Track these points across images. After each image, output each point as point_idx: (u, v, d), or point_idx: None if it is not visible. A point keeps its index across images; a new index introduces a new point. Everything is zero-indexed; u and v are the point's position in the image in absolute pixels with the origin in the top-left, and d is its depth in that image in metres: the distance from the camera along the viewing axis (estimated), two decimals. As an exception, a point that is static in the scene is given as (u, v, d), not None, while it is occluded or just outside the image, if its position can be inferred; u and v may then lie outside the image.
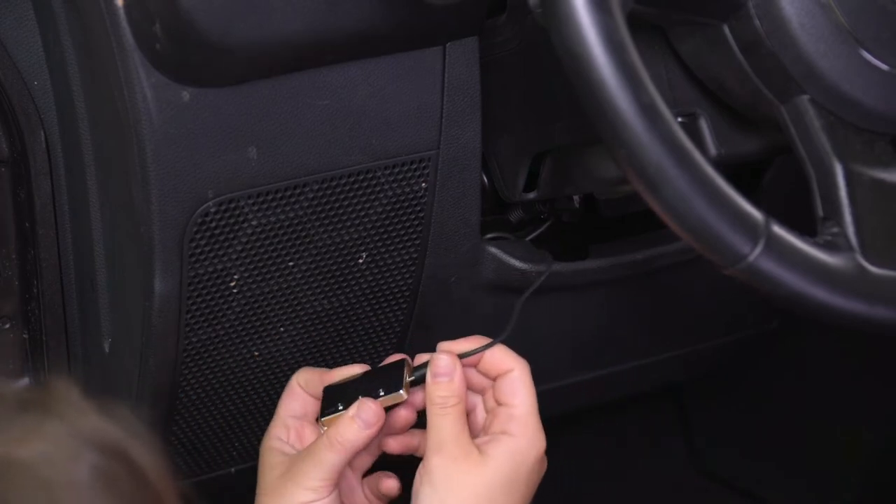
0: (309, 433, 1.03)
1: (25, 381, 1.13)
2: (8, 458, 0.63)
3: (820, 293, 0.81)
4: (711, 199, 0.78)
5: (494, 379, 1.01)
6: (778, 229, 0.80)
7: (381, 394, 1.00)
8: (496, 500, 0.96)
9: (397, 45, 1.00)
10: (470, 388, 1.01)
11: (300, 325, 1.10)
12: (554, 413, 1.38)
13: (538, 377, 1.30)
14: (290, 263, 1.05)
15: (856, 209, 0.84)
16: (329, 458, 0.98)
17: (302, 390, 1.04)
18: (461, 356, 1.00)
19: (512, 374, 0.99)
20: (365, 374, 1.03)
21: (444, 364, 0.99)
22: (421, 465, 0.98)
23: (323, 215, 1.04)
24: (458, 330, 1.16)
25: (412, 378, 1.01)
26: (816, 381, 1.57)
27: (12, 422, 0.65)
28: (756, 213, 0.80)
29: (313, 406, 1.04)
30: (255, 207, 1.01)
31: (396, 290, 1.11)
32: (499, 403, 1.00)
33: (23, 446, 0.63)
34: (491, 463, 0.96)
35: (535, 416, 0.98)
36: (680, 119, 0.96)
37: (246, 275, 1.04)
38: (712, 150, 0.96)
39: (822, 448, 1.58)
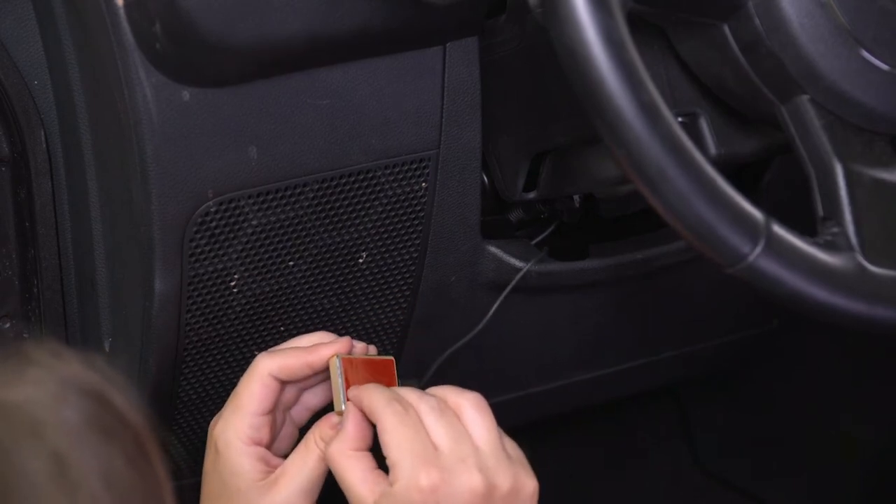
0: (289, 432, 1.01)
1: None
2: None
3: (820, 293, 0.81)
4: (711, 198, 0.78)
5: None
6: (778, 229, 0.80)
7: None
8: None
9: (397, 45, 1.00)
10: None
11: (300, 325, 1.10)
12: (553, 413, 1.38)
13: (537, 377, 1.30)
14: (291, 263, 1.05)
15: (856, 209, 0.84)
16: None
17: (276, 381, 0.98)
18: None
19: None
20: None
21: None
22: None
23: (323, 215, 1.04)
24: (458, 330, 1.16)
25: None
26: (816, 380, 1.57)
27: None
28: (756, 213, 0.80)
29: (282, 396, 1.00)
30: (256, 207, 1.01)
31: (396, 290, 1.11)
32: None
33: (9, 390, 0.64)
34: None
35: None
36: (680, 119, 0.95)
37: (246, 274, 1.04)
38: (712, 150, 0.96)
39: (822, 448, 1.58)
